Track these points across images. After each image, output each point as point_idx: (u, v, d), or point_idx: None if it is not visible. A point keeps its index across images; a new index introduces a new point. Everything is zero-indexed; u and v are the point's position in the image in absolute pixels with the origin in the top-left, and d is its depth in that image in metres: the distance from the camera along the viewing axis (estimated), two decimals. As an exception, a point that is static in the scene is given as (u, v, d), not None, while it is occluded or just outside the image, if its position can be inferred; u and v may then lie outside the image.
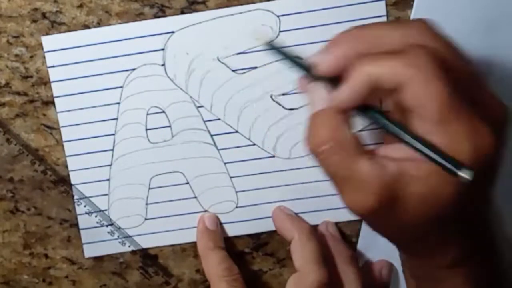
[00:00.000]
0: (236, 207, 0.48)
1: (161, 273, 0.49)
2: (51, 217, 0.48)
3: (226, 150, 0.47)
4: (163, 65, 0.46)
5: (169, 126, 0.47)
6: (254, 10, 0.45)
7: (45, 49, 0.45)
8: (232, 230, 0.49)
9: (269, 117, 0.46)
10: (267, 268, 0.50)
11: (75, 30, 0.45)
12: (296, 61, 0.39)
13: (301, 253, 0.45)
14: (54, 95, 0.46)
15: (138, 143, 0.47)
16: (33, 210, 0.48)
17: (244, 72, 0.46)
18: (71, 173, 0.47)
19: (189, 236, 0.49)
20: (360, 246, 0.50)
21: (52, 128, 0.47)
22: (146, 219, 0.48)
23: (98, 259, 0.49)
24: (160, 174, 0.47)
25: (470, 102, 0.35)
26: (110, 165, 0.47)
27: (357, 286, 0.46)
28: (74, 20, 0.45)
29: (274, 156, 0.47)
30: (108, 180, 0.47)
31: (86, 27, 0.45)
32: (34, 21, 0.45)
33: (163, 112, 0.46)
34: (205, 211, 0.48)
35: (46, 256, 0.49)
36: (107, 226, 0.48)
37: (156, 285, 0.50)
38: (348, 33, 0.37)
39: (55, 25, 0.45)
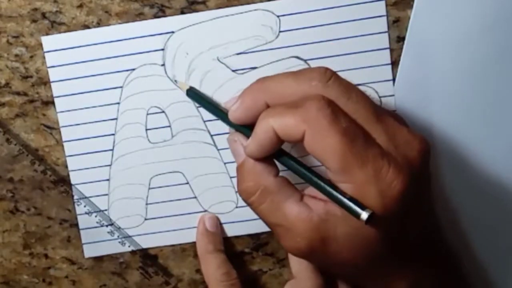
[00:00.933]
0: (236, 207, 0.48)
1: (161, 273, 0.49)
2: (51, 217, 0.48)
3: (226, 150, 0.46)
4: (163, 65, 0.46)
5: (169, 126, 0.47)
6: (254, 10, 0.45)
7: (45, 49, 0.45)
8: (232, 230, 0.48)
9: None
10: (267, 268, 0.50)
11: (75, 30, 0.45)
12: (213, 107, 0.43)
13: (299, 259, 0.45)
14: (54, 95, 0.46)
15: (138, 143, 0.47)
16: (33, 210, 0.48)
17: (244, 72, 0.46)
18: (71, 173, 0.47)
19: (189, 236, 0.48)
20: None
21: (52, 128, 0.47)
22: (146, 219, 0.48)
23: (98, 259, 0.49)
24: (160, 174, 0.47)
25: (374, 142, 0.36)
26: (110, 165, 0.47)
27: None
28: (74, 20, 0.45)
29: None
30: (108, 180, 0.47)
31: (86, 27, 0.45)
32: (34, 21, 0.45)
33: (163, 112, 0.46)
34: (205, 211, 0.48)
35: (46, 256, 0.49)
36: (107, 226, 0.48)
37: (156, 285, 0.50)
38: (257, 84, 0.39)
39: (55, 25, 0.45)
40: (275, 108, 0.38)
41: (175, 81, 0.45)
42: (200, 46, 0.45)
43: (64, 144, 0.47)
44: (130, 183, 0.48)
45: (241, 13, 0.45)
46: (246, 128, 0.40)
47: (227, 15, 0.45)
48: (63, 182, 0.48)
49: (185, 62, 0.46)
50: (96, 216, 0.48)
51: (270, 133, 0.37)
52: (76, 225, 0.48)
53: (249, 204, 0.40)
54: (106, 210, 0.48)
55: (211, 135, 0.47)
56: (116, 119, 0.46)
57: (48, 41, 0.45)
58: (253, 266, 0.50)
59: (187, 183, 0.47)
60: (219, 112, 0.43)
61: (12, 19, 0.45)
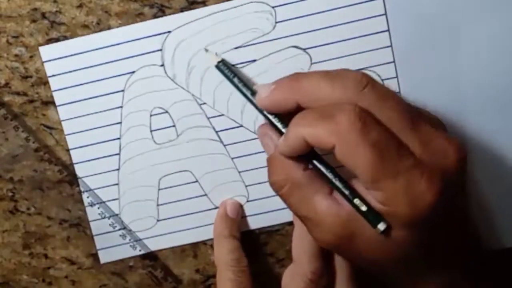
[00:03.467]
0: (247, 201, 0.48)
1: (161, 273, 0.49)
2: (50, 217, 0.48)
3: (233, 145, 0.47)
4: (162, 65, 0.46)
5: (174, 126, 0.47)
6: (249, 2, 0.45)
7: (43, 59, 0.45)
8: (245, 225, 0.48)
9: None
10: (267, 268, 0.50)
11: (75, 30, 0.45)
12: (242, 84, 0.43)
13: (300, 243, 0.45)
14: (57, 103, 0.46)
15: (144, 145, 0.47)
16: (32, 210, 0.48)
17: (244, 66, 0.46)
18: (80, 180, 0.47)
19: (201, 235, 0.48)
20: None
21: (52, 128, 0.47)
22: (158, 220, 0.48)
23: (98, 259, 0.49)
24: (168, 175, 0.47)
25: (407, 152, 0.36)
26: (118, 169, 0.47)
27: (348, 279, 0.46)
28: (74, 20, 0.45)
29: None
30: (117, 184, 0.47)
31: (86, 27, 0.45)
32: (34, 21, 0.45)
33: (166, 112, 0.46)
34: (216, 207, 0.48)
35: (46, 256, 0.49)
36: (119, 230, 0.48)
37: (155, 285, 0.50)
38: (291, 81, 0.39)
39: (55, 25, 0.45)
40: (307, 117, 0.37)
41: (206, 50, 0.45)
42: (197, 43, 0.45)
43: (71, 151, 0.47)
44: (139, 185, 0.48)
45: (236, 7, 0.45)
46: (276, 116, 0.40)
47: (222, 10, 0.45)
48: (63, 182, 0.48)
49: (184, 60, 0.46)
50: (109, 219, 0.48)
51: (301, 141, 0.37)
52: (76, 225, 0.48)
53: (279, 196, 0.40)
54: (118, 214, 0.48)
55: (216, 132, 0.47)
56: (120, 123, 0.46)
57: (46, 51, 0.45)
58: (253, 266, 0.50)
59: (196, 181, 0.47)
60: (247, 90, 0.42)
61: (12, 19, 0.45)
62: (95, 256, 0.49)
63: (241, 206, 0.48)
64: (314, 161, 0.39)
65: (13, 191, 0.48)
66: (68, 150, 0.47)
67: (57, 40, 0.45)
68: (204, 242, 0.49)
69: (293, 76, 0.39)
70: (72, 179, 0.48)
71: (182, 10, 0.45)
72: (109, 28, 0.45)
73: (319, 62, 0.46)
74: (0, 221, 0.48)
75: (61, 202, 0.48)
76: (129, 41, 0.45)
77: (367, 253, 0.38)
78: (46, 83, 0.46)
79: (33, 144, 0.47)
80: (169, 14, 0.45)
